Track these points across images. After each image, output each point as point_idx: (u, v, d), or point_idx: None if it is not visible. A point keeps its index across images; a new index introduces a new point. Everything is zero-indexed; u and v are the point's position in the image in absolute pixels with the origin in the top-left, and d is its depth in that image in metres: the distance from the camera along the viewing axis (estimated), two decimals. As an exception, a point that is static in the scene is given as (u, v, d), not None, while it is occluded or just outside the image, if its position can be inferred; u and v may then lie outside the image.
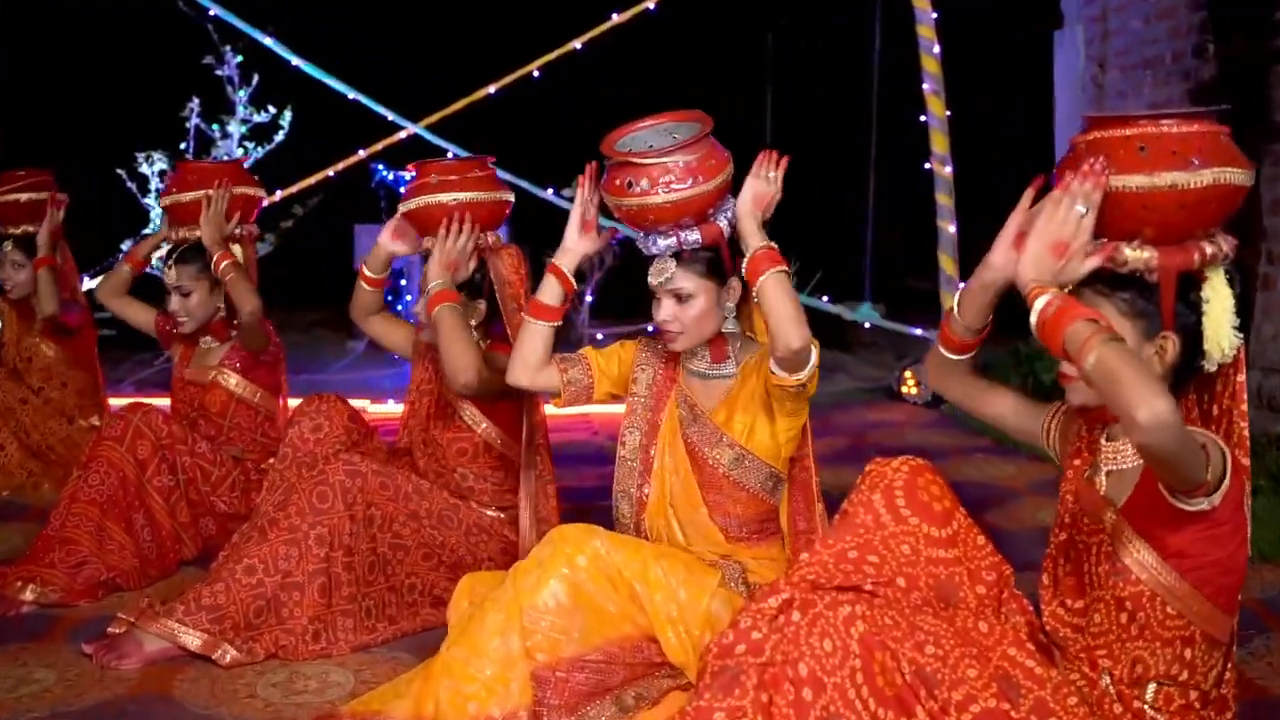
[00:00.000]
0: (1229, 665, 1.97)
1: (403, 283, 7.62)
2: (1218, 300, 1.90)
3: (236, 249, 3.65)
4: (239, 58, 7.45)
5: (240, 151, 7.56)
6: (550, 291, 2.64)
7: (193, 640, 2.76)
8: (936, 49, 6.01)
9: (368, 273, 3.29)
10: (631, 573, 2.36)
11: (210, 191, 3.61)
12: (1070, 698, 1.86)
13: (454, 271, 3.00)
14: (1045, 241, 1.86)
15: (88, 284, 5.28)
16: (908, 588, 1.97)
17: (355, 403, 5.39)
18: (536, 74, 6.46)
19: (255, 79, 7.52)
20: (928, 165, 6.08)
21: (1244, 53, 5.13)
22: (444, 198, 3.02)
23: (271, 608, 2.81)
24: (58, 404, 4.45)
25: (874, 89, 8.47)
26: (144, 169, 7.38)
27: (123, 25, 8.41)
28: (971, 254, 6.02)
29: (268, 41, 6.48)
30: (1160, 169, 1.82)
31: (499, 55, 6.60)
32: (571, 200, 2.66)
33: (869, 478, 2.07)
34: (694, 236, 2.49)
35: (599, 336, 7.06)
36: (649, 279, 2.54)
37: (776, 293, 2.35)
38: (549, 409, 3.18)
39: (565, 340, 5.24)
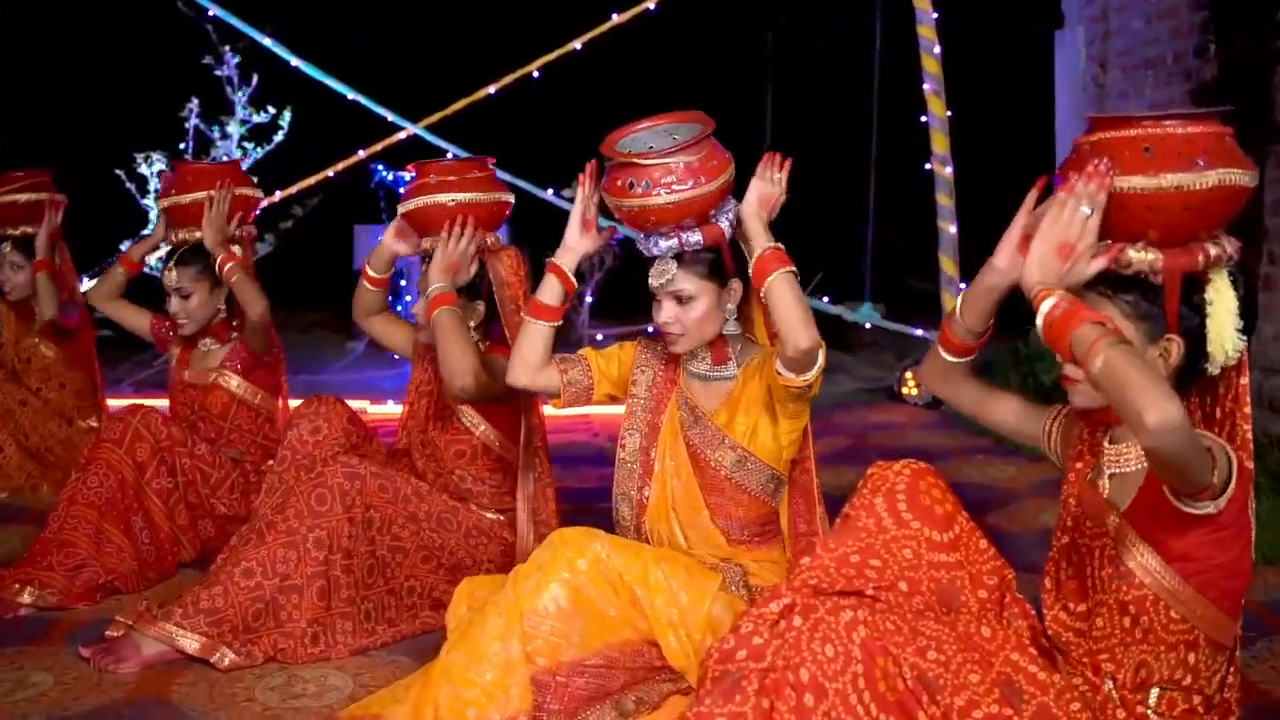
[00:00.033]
0: (1232, 669, 1.96)
1: (402, 283, 7.61)
2: (1221, 302, 1.89)
3: (235, 250, 3.64)
4: (238, 58, 7.44)
5: (240, 152, 7.56)
6: (550, 291, 2.63)
7: (191, 643, 2.74)
8: (937, 49, 6.00)
9: (371, 272, 3.29)
10: (632, 576, 2.35)
11: (211, 193, 3.60)
12: (1073, 703, 1.85)
13: (455, 274, 2.99)
14: (1050, 243, 1.85)
15: (86, 284, 5.26)
16: (909, 592, 1.96)
17: (355, 403, 5.39)
18: (536, 74, 6.45)
19: (254, 79, 7.52)
20: (928, 166, 6.07)
21: (1246, 53, 5.12)
22: (443, 198, 3.01)
23: (270, 611, 2.80)
24: (56, 405, 4.44)
25: (874, 89, 8.45)
26: (143, 169, 7.37)
27: (122, 25, 8.40)
28: (972, 255, 6.03)
29: (267, 42, 6.47)
30: (1165, 170, 1.80)
31: (499, 55, 6.59)
32: (571, 201, 2.65)
33: (871, 481, 2.06)
34: (695, 238, 2.48)
35: (599, 337, 7.04)
36: (650, 281, 2.53)
37: (785, 293, 2.34)
38: (548, 410, 3.17)
39: (565, 341, 5.23)
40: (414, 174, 3.10)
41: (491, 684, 2.30)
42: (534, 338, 2.65)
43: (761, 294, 2.38)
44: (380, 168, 8.18)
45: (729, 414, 2.58)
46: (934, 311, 6.27)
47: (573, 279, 2.66)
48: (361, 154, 6.74)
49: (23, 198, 4.36)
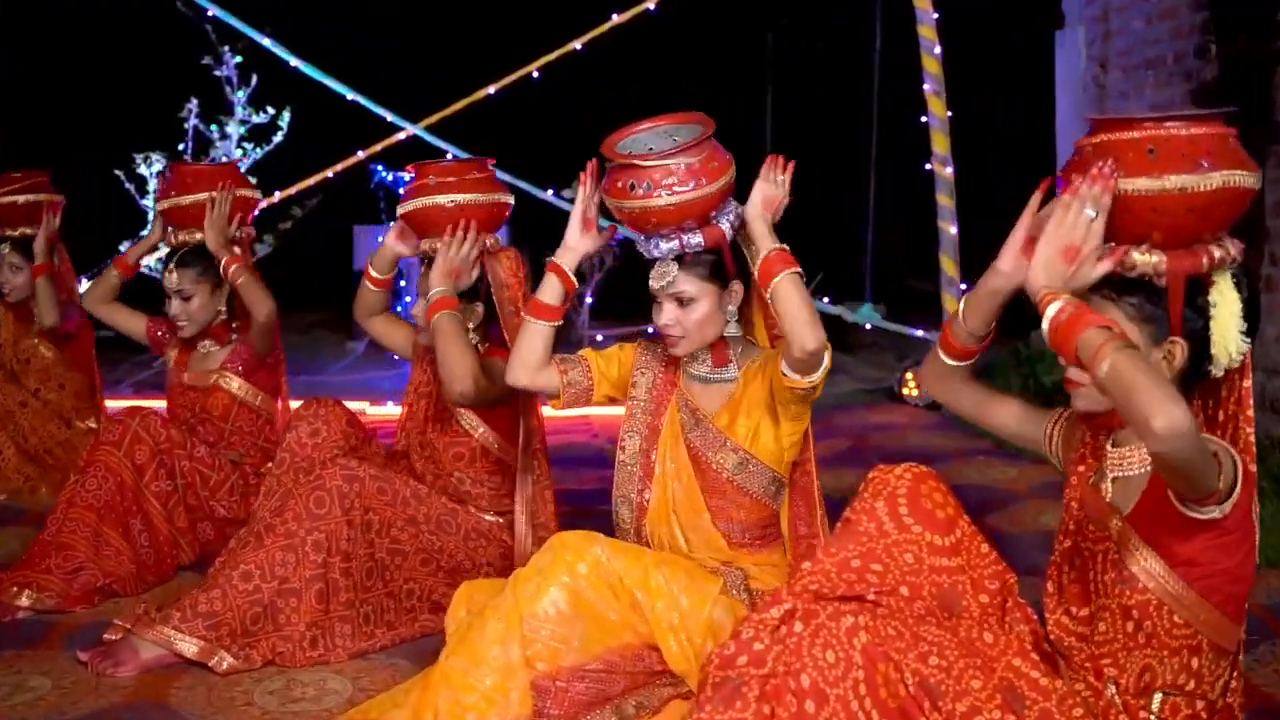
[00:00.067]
0: (1235, 674, 1.95)
1: (402, 283, 7.60)
2: (1225, 304, 1.88)
3: (235, 251, 3.63)
4: (238, 58, 7.43)
5: (239, 152, 7.54)
6: (551, 290, 2.62)
7: (189, 647, 2.73)
8: (938, 49, 5.99)
9: (373, 273, 3.28)
10: (632, 580, 2.34)
11: (211, 194, 3.59)
12: (1076, 709, 1.84)
13: (456, 279, 2.98)
14: (1055, 247, 1.83)
15: (84, 285, 5.25)
16: (911, 597, 1.95)
17: (354, 404, 5.39)
18: (536, 74, 6.44)
19: (254, 80, 7.51)
20: (928, 166, 6.06)
21: (1246, 53, 5.11)
22: (442, 199, 3.00)
23: (268, 614, 2.79)
24: (56, 406, 4.43)
25: (875, 89, 8.44)
26: (142, 170, 7.36)
27: (121, 26, 8.38)
28: (972, 255, 6.03)
29: (266, 42, 6.46)
30: (1169, 172, 1.79)
31: (498, 55, 6.58)
32: (571, 201, 2.64)
33: (872, 485, 2.04)
34: (696, 239, 2.47)
35: (599, 338, 7.03)
36: (650, 283, 2.52)
37: (792, 294, 2.33)
38: (547, 411, 3.16)
39: (565, 341, 5.22)
40: (413, 175, 3.09)
41: (491, 689, 2.29)
42: (534, 337, 2.64)
43: (768, 295, 2.37)
44: (380, 168, 8.17)
45: (730, 416, 2.57)
46: (934, 312, 6.26)
47: (573, 279, 2.65)
48: (361, 154, 6.73)
49: (21, 199, 4.35)
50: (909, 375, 6.05)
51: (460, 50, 8.77)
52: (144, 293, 4.09)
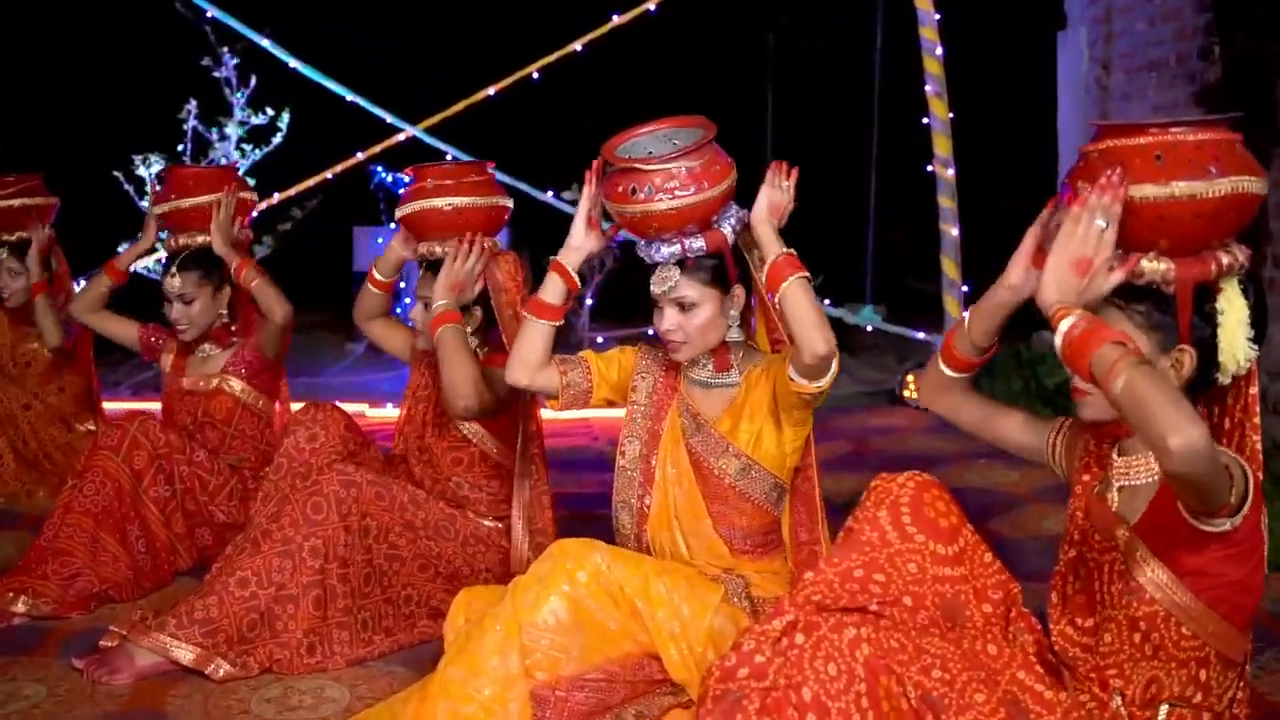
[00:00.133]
0: (1242, 684, 1.93)
1: (401, 284, 7.59)
2: (1232, 311, 1.86)
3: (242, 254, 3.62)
4: (236, 59, 7.41)
5: (238, 154, 7.52)
6: (553, 290, 2.60)
7: (185, 654, 2.71)
8: (939, 51, 5.97)
9: (377, 276, 3.27)
10: (633, 589, 2.31)
11: (218, 197, 3.56)
12: (1080, 722, 1.82)
13: (460, 293, 2.96)
14: (1066, 259, 1.80)
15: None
16: (914, 607, 1.93)
17: (354, 406, 5.37)
18: (536, 76, 6.41)
19: (253, 81, 7.48)
20: (930, 168, 6.04)
21: (1249, 55, 5.09)
22: (440, 202, 2.99)
23: (265, 621, 2.77)
24: (57, 409, 4.41)
25: (875, 90, 8.43)
26: (141, 171, 7.33)
27: (120, 26, 8.37)
28: (973, 257, 6.01)
29: (265, 43, 6.44)
30: (1177, 178, 1.77)
31: (498, 57, 6.56)
32: (571, 203, 2.63)
33: (874, 494, 2.02)
34: (698, 244, 2.45)
35: (599, 340, 7.02)
36: (651, 288, 2.50)
37: (800, 299, 2.31)
38: (546, 413, 3.14)
39: (565, 343, 5.20)
40: (411, 178, 3.07)
41: (490, 699, 2.26)
42: (534, 337, 2.62)
43: (776, 300, 2.35)
44: (380, 169, 8.15)
45: (732, 421, 2.55)
46: (935, 314, 6.25)
47: (576, 278, 2.62)
48: (360, 156, 6.71)
49: (16, 203, 4.33)
50: (910, 377, 6.03)
51: (460, 51, 8.77)
52: (139, 295, 4.06)
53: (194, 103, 7.43)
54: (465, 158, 6.14)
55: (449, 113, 6.46)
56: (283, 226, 7.96)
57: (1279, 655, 2.75)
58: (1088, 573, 1.97)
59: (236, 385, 3.63)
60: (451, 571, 3.02)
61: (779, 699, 1.80)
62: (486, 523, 3.12)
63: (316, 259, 8.96)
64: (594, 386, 2.69)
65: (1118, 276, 1.81)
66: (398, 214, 3.08)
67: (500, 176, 3.33)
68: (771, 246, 2.38)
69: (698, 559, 2.56)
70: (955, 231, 6.01)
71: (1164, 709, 1.86)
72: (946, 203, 6.02)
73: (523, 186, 6.21)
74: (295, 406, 3.50)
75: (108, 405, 4.78)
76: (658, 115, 2.53)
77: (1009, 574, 2.05)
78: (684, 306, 2.48)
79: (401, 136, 6.58)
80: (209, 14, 6.52)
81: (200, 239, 3.58)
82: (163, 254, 4.25)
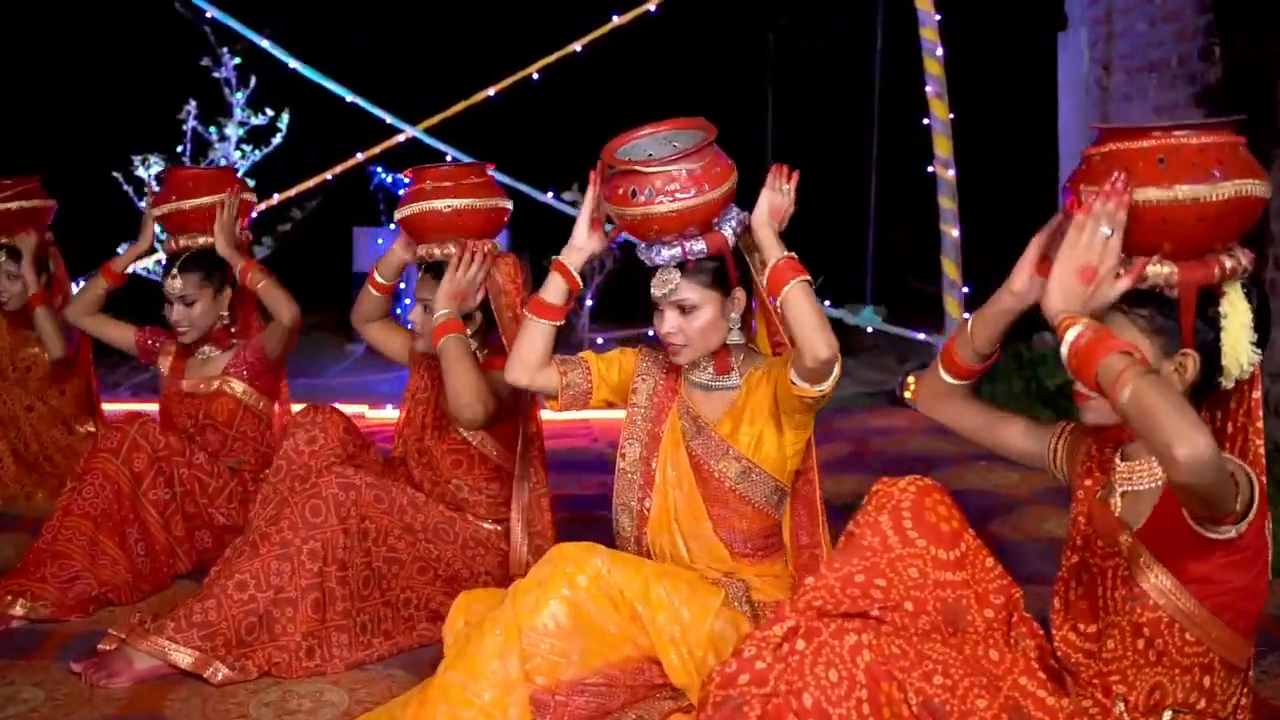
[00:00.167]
0: (1246, 689, 1.92)
1: (401, 285, 7.58)
2: (1236, 315, 1.85)
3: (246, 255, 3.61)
4: (236, 60, 7.40)
5: (238, 154, 7.52)
6: (554, 289, 2.59)
7: (184, 658, 2.70)
8: (940, 52, 5.96)
9: (379, 278, 3.26)
10: (633, 593, 2.31)
11: (216, 198, 3.55)
12: (1084, 728, 1.81)
13: (462, 301, 2.95)
14: (1072, 268, 1.79)
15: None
16: (915, 612, 1.92)
17: (353, 407, 5.36)
18: (536, 76, 6.41)
19: (253, 81, 7.48)
20: (930, 168, 6.03)
21: (1250, 55, 5.08)
22: (439, 204, 2.98)
23: (264, 624, 2.76)
24: (58, 411, 4.40)
25: (876, 90, 8.43)
26: (140, 172, 7.32)
27: (120, 26, 8.36)
28: (974, 258, 6.01)
29: (265, 44, 6.43)
30: (1180, 182, 1.75)
31: (498, 57, 6.56)
32: (571, 204, 2.62)
33: (875, 498, 2.01)
34: (699, 246, 2.44)
35: (599, 341, 7.01)
36: (652, 291, 2.49)
37: (802, 302, 2.29)
38: (546, 414, 3.13)
39: (565, 344, 5.19)
40: (410, 180, 3.06)
41: (490, 703, 2.25)
42: (535, 336, 2.61)
43: (778, 304, 2.34)
44: (379, 170, 8.15)
45: (733, 424, 2.54)
46: (936, 314, 6.24)
47: (578, 279, 2.61)
48: (360, 156, 6.71)
49: (14, 205, 4.31)
50: (910, 378, 6.02)
51: (460, 52, 8.76)
52: (137, 296, 4.04)
53: (193, 103, 7.42)
54: (465, 158, 6.14)
55: (449, 113, 6.45)
56: (282, 227, 7.95)
57: (1282, 659, 2.74)
58: (1090, 578, 1.96)
59: (238, 387, 3.62)
60: (451, 574, 3.01)
61: (780, 705, 1.79)
62: (486, 525, 3.11)
63: (316, 260, 8.96)
64: (594, 388, 2.68)
65: (1124, 284, 1.80)
66: (397, 216, 3.07)
67: (500, 177, 3.33)
68: (772, 250, 2.37)
69: (698, 562, 2.55)
70: (956, 232, 6.00)
71: (1167, 715, 1.85)
72: (947, 204, 6.02)
73: (523, 187, 6.20)
74: (295, 408, 3.50)
75: (107, 406, 4.76)
76: (658, 116, 2.52)
77: (1011, 579, 2.04)
78: (684, 309, 2.47)
79: (401, 137, 6.58)
80: (209, 14, 6.51)
81: (201, 240, 3.57)
82: (162, 255, 4.24)
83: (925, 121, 6.03)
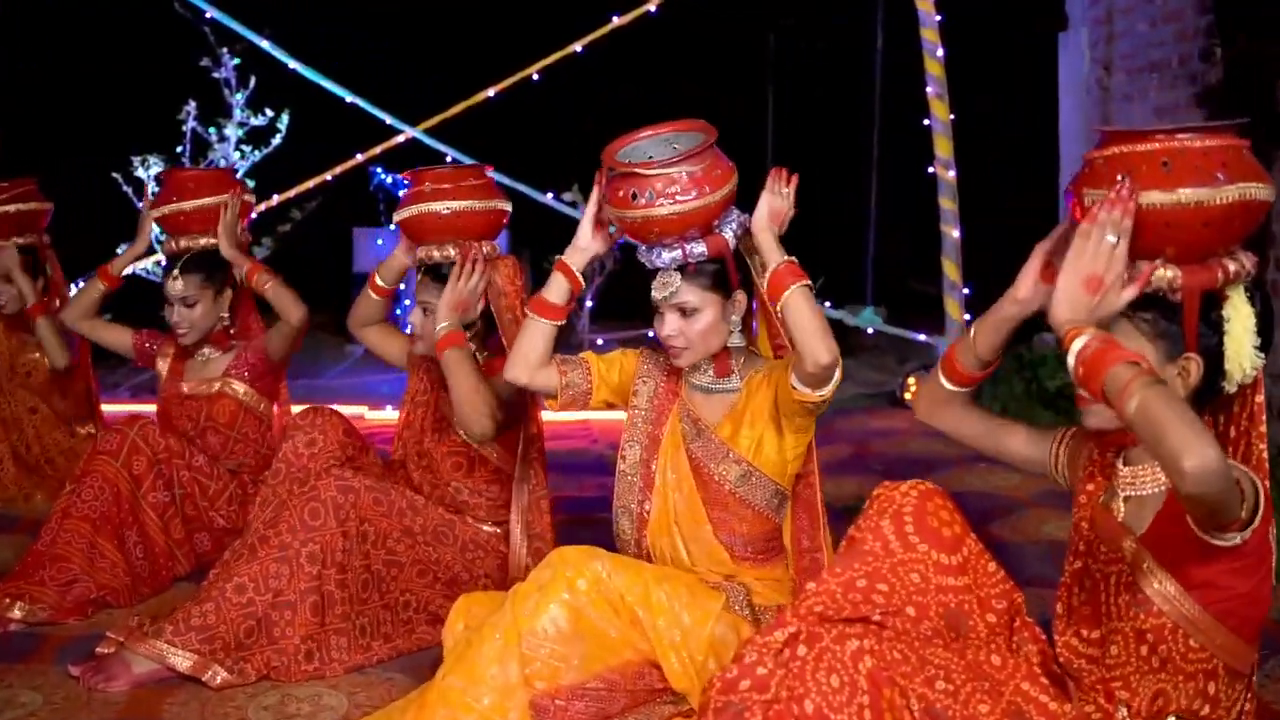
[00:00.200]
0: (1250, 695, 1.91)
1: (401, 286, 7.57)
2: (1239, 319, 1.84)
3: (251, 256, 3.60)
4: (236, 60, 7.39)
5: (238, 155, 7.50)
6: (557, 289, 2.58)
7: (182, 661, 2.69)
8: (940, 52, 5.95)
9: (379, 282, 3.25)
10: (634, 597, 2.30)
11: (217, 199, 3.54)
12: (1086, 734, 1.80)
13: (464, 312, 2.94)
14: (1078, 277, 1.77)
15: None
16: (917, 617, 1.91)
17: (353, 408, 5.35)
18: (536, 77, 6.40)
19: (252, 82, 7.46)
20: (931, 169, 6.02)
21: (1251, 56, 5.07)
22: (438, 206, 2.97)
23: (263, 627, 2.75)
24: (61, 413, 4.39)
25: (876, 90, 8.41)
26: (139, 173, 7.31)
27: (119, 27, 8.35)
28: (974, 258, 6.00)
29: (265, 44, 6.42)
30: (1184, 185, 1.74)
31: (498, 58, 6.55)
32: (571, 204, 2.61)
33: (877, 502, 2.01)
34: (699, 249, 2.43)
35: (599, 342, 7.00)
36: (652, 293, 2.48)
37: (803, 307, 2.28)
38: (545, 415, 3.12)
39: (565, 344, 5.19)
40: (409, 182, 3.05)
41: (489, 708, 2.25)
42: (536, 336, 2.60)
43: (778, 309, 2.32)
44: (379, 170, 8.13)
45: (733, 427, 2.53)
46: (936, 315, 6.23)
47: (580, 279, 2.61)
48: (360, 157, 6.70)
49: (12, 208, 4.30)
50: (911, 380, 6.01)
51: (460, 52, 8.74)
52: (135, 297, 4.02)
53: (193, 104, 7.40)
54: (465, 159, 6.13)
55: (449, 114, 6.44)
56: (282, 228, 7.93)
57: (1284, 663, 2.73)
58: (1093, 584, 1.95)
59: (239, 388, 3.61)
60: (450, 577, 3.00)
61: (781, 711, 1.78)
62: (485, 528, 3.10)
63: (316, 261, 8.93)
64: (593, 388, 2.68)
65: (1130, 293, 1.78)
66: (396, 218, 3.06)
67: (500, 178, 3.32)
68: (772, 254, 2.36)
69: (699, 565, 2.55)
70: (956, 233, 5.99)
71: (1170, 720, 1.84)
72: (947, 204, 6.01)
73: (522, 188, 6.19)
74: (295, 409, 3.49)
75: (107, 408, 4.75)
76: (658, 116, 2.51)
77: (1013, 583, 2.03)
78: (685, 312, 2.46)
79: (401, 138, 6.57)
80: (208, 14, 6.50)
81: (202, 241, 3.56)
82: (161, 257, 4.23)
83: (926, 122, 6.02)
